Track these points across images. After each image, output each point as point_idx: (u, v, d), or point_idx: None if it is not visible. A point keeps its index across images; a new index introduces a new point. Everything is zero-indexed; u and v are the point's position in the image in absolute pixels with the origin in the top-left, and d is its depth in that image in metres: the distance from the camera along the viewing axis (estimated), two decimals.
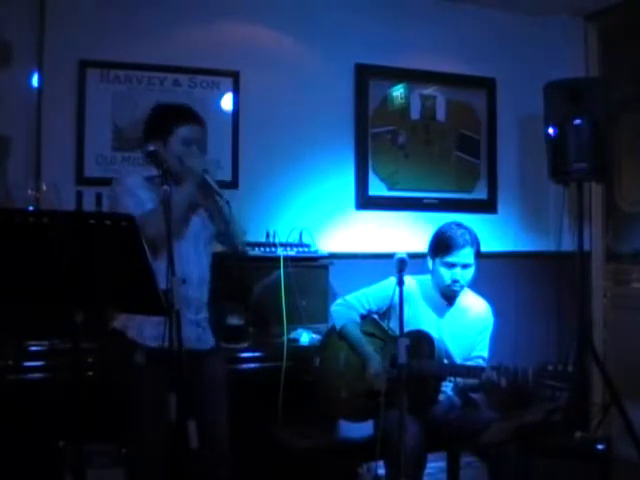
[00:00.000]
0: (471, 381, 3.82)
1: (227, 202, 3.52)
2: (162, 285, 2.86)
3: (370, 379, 3.86)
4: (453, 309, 4.04)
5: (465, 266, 3.95)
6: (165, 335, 2.95)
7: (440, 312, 4.04)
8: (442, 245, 3.99)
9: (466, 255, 3.94)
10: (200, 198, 3.56)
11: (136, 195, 3.45)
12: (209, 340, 3.67)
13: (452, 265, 3.96)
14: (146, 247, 2.63)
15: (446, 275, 3.98)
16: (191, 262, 3.53)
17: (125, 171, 3.18)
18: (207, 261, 3.66)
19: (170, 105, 3.79)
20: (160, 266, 2.99)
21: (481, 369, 3.73)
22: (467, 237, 3.96)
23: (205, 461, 3.50)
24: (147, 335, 3.33)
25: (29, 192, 4.43)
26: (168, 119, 3.60)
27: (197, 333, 3.57)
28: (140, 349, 3.37)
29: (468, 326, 4.01)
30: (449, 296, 4.05)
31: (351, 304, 4.10)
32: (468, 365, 3.85)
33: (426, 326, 3.91)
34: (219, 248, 3.85)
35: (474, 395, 4.02)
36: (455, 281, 3.97)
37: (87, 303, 2.77)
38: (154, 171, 3.51)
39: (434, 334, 3.89)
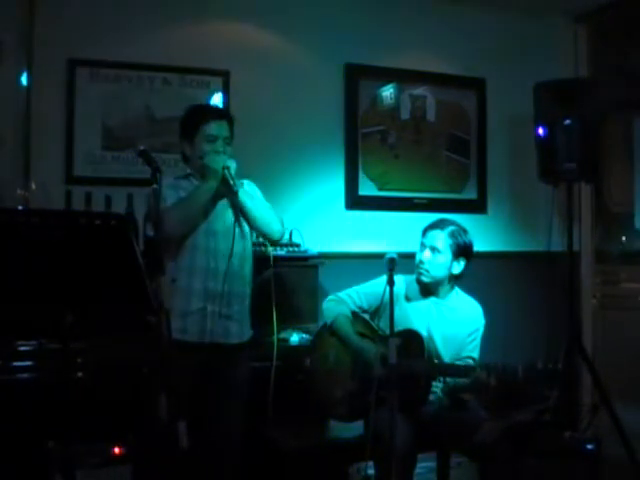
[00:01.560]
0: (461, 381, 3.82)
1: (236, 192, 3.61)
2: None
3: (368, 364, 3.85)
4: (442, 309, 4.02)
5: (434, 250, 3.95)
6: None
7: (425, 310, 4.03)
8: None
9: (434, 237, 3.96)
10: (224, 192, 3.67)
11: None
12: (240, 334, 3.75)
13: (422, 246, 4.00)
14: (136, 245, 2.62)
15: (417, 255, 4.01)
16: (220, 256, 3.64)
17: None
18: (243, 255, 3.75)
19: (197, 105, 3.94)
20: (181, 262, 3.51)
21: (471, 369, 3.73)
22: (445, 226, 3.98)
23: (211, 459, 3.54)
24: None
25: (18, 191, 4.42)
26: (194, 118, 3.75)
27: (224, 326, 3.66)
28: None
29: (457, 327, 3.99)
30: (424, 286, 4.04)
31: (343, 300, 4.10)
32: (458, 365, 3.85)
33: (416, 326, 3.91)
34: None
35: (464, 395, 4.01)
36: (420, 262, 3.98)
37: (76, 303, 2.76)
38: (187, 170, 3.77)
39: (423, 333, 3.88)
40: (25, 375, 3.82)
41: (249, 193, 3.75)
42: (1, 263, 2.68)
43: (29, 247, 2.61)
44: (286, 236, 4.79)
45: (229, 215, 3.71)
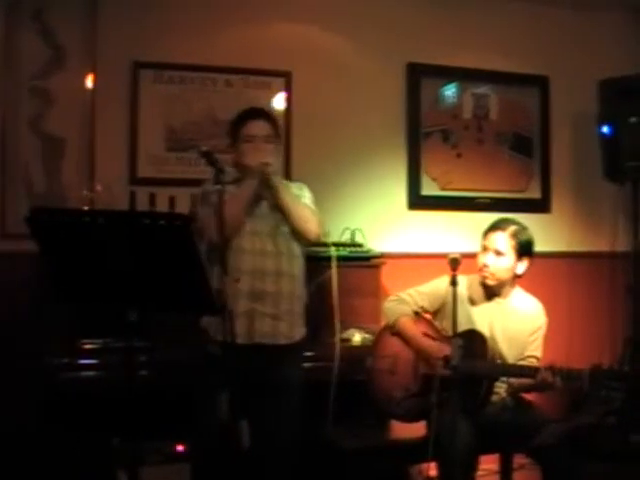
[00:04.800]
0: (525, 381, 3.78)
1: (271, 186, 3.63)
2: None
3: (433, 362, 3.83)
4: (505, 309, 3.99)
5: (497, 253, 3.94)
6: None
7: (488, 311, 4.00)
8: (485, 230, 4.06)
9: (496, 240, 3.95)
10: (265, 192, 3.68)
11: (210, 196, 3.57)
12: (289, 335, 3.69)
13: (485, 248, 3.99)
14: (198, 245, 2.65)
15: (480, 259, 4.00)
16: (267, 256, 3.64)
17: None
18: (291, 254, 3.73)
19: (243, 109, 3.90)
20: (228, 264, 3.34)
21: (535, 369, 3.68)
22: (507, 227, 3.97)
23: (264, 462, 3.54)
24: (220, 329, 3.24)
25: (84, 192, 4.49)
26: (236, 122, 3.80)
27: (272, 326, 3.62)
28: (214, 342, 3.40)
29: (520, 326, 3.96)
30: (488, 289, 4.02)
31: (404, 300, 4.09)
32: (522, 365, 3.81)
33: (479, 326, 3.89)
34: None
35: (528, 396, 3.98)
36: (485, 265, 3.95)
37: (141, 302, 2.79)
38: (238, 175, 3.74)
39: (486, 334, 3.86)
40: (90, 373, 3.88)
41: (291, 192, 3.73)
42: (67, 263, 2.73)
43: (95, 247, 2.65)
44: (348, 236, 4.80)
45: (274, 216, 3.70)
